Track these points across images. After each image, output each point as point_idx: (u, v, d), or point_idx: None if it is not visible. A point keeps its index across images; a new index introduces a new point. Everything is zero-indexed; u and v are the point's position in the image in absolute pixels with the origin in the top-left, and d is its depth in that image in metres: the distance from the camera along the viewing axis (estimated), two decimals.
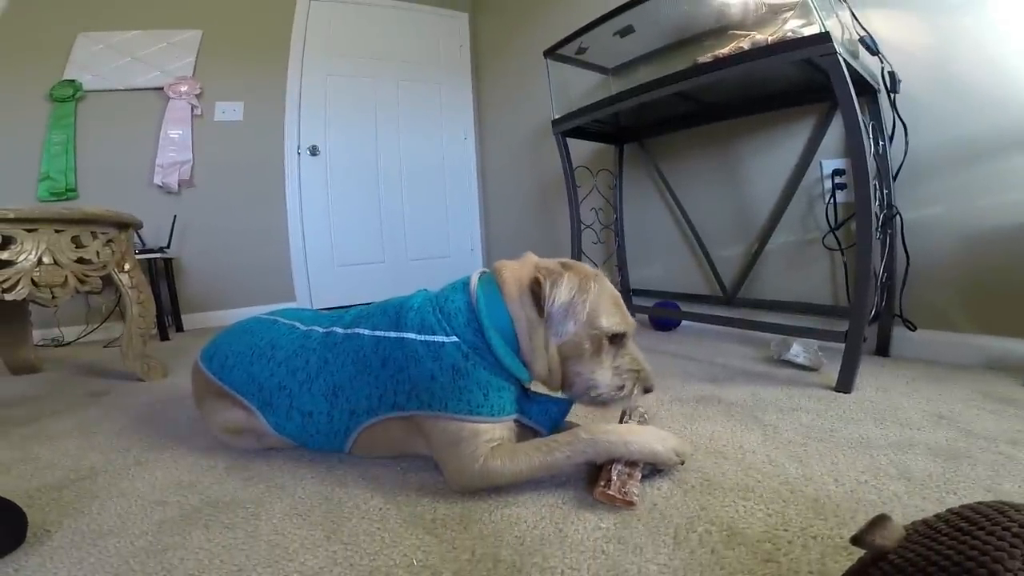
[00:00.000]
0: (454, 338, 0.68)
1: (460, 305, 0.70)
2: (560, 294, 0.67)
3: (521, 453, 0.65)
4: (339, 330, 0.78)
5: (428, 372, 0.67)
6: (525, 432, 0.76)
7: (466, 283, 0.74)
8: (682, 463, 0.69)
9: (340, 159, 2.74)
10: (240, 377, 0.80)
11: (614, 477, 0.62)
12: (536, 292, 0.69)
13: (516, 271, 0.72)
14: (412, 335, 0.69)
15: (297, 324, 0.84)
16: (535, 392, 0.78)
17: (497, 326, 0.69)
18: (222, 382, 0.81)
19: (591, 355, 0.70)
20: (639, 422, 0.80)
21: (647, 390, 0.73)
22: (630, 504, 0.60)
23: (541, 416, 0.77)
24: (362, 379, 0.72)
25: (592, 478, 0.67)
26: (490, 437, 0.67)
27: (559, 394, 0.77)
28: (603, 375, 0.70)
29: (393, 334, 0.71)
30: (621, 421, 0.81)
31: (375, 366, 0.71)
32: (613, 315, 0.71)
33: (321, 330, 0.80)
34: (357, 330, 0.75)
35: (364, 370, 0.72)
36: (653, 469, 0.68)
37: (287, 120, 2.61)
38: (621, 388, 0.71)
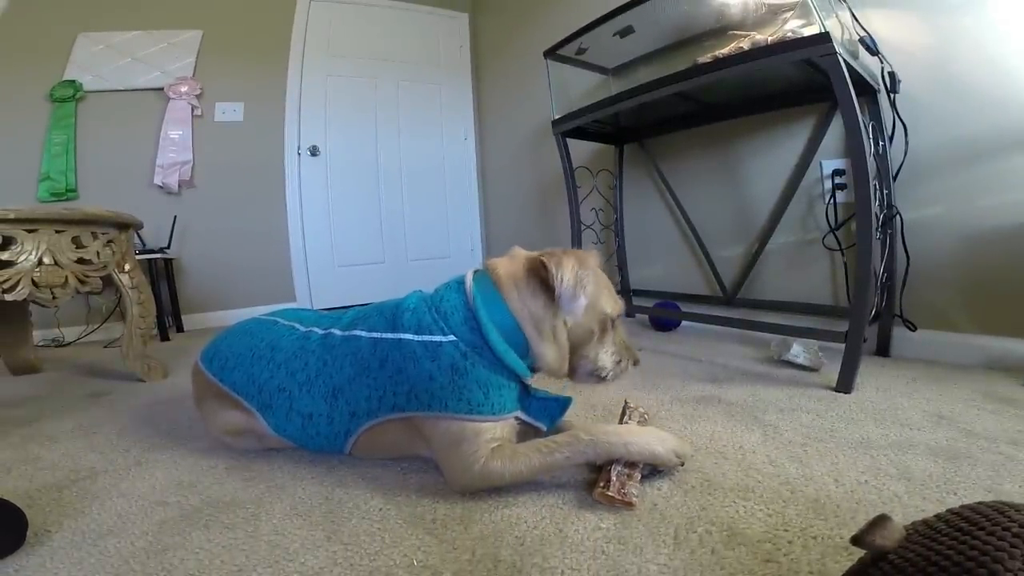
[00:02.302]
0: (451, 337, 0.68)
1: (456, 304, 0.70)
2: (566, 273, 0.67)
3: (521, 454, 0.65)
4: (337, 332, 0.78)
5: (426, 372, 0.67)
6: (527, 432, 0.76)
7: (461, 282, 0.74)
8: (682, 464, 0.69)
9: (340, 159, 2.74)
10: (240, 378, 0.80)
11: (613, 478, 0.62)
12: (542, 277, 0.69)
13: (508, 267, 0.73)
14: (409, 336, 0.69)
15: (296, 325, 0.84)
16: (535, 389, 0.79)
17: (497, 323, 0.68)
18: (222, 383, 0.81)
19: (599, 338, 0.74)
20: (639, 423, 0.80)
21: (635, 363, 0.79)
22: (629, 505, 0.60)
23: (541, 413, 0.78)
24: (361, 381, 0.72)
25: (592, 479, 0.67)
26: (491, 436, 0.67)
27: (564, 382, 0.80)
28: (606, 356, 0.75)
29: (390, 335, 0.71)
30: (621, 421, 0.81)
31: (373, 367, 0.71)
32: (611, 299, 0.75)
33: (320, 331, 0.80)
34: (355, 332, 0.75)
35: (363, 371, 0.72)
36: (653, 470, 0.68)
37: (287, 120, 2.62)
38: (619, 363, 0.76)
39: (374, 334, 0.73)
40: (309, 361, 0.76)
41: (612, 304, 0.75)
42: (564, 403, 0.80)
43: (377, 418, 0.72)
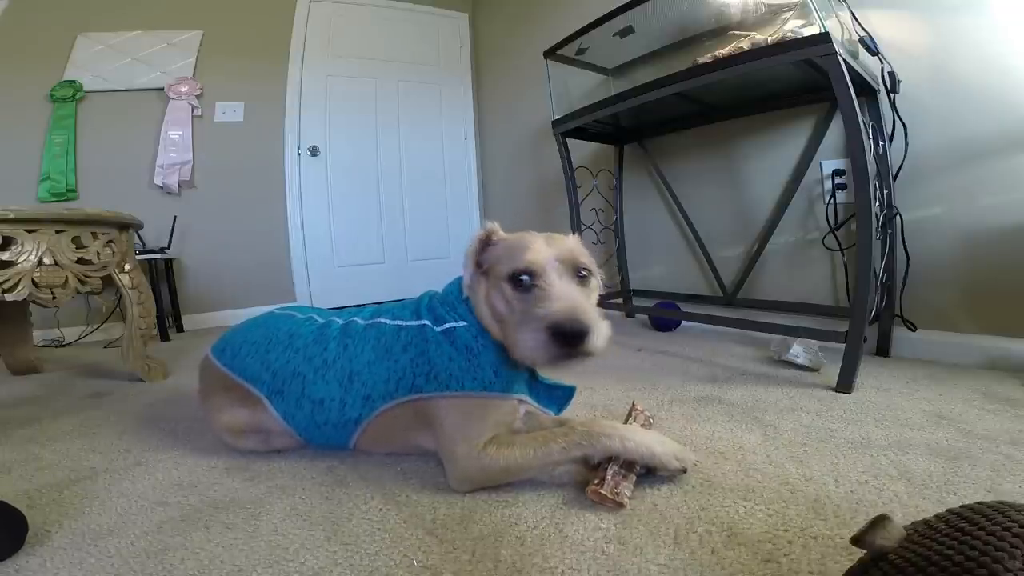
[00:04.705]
0: (463, 323, 0.73)
1: (459, 295, 0.76)
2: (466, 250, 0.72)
3: (518, 443, 0.67)
4: (359, 321, 0.81)
5: (447, 354, 0.70)
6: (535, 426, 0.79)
7: (460, 278, 0.79)
8: (683, 471, 0.68)
9: (340, 159, 2.74)
10: (253, 365, 0.80)
11: (608, 477, 0.62)
12: None
13: None
14: (430, 325, 0.74)
15: (315, 317, 0.86)
16: (543, 376, 0.81)
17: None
18: (233, 371, 0.81)
19: (507, 307, 0.65)
20: (643, 426, 0.80)
21: (557, 333, 0.54)
22: (620, 505, 0.60)
23: (548, 399, 0.81)
24: (382, 364, 0.74)
25: (589, 479, 0.67)
26: (497, 419, 0.69)
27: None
28: (513, 329, 0.61)
29: (415, 322, 0.76)
30: (625, 423, 0.81)
31: (396, 351, 0.74)
32: (507, 258, 0.65)
33: (340, 321, 0.83)
34: (378, 320, 0.79)
35: (385, 355, 0.74)
36: (650, 471, 0.67)
37: (287, 120, 2.62)
38: (531, 341, 0.56)
39: (398, 321, 0.77)
40: (329, 346, 0.78)
41: (507, 262, 0.64)
42: (569, 390, 0.82)
43: (394, 400, 0.73)
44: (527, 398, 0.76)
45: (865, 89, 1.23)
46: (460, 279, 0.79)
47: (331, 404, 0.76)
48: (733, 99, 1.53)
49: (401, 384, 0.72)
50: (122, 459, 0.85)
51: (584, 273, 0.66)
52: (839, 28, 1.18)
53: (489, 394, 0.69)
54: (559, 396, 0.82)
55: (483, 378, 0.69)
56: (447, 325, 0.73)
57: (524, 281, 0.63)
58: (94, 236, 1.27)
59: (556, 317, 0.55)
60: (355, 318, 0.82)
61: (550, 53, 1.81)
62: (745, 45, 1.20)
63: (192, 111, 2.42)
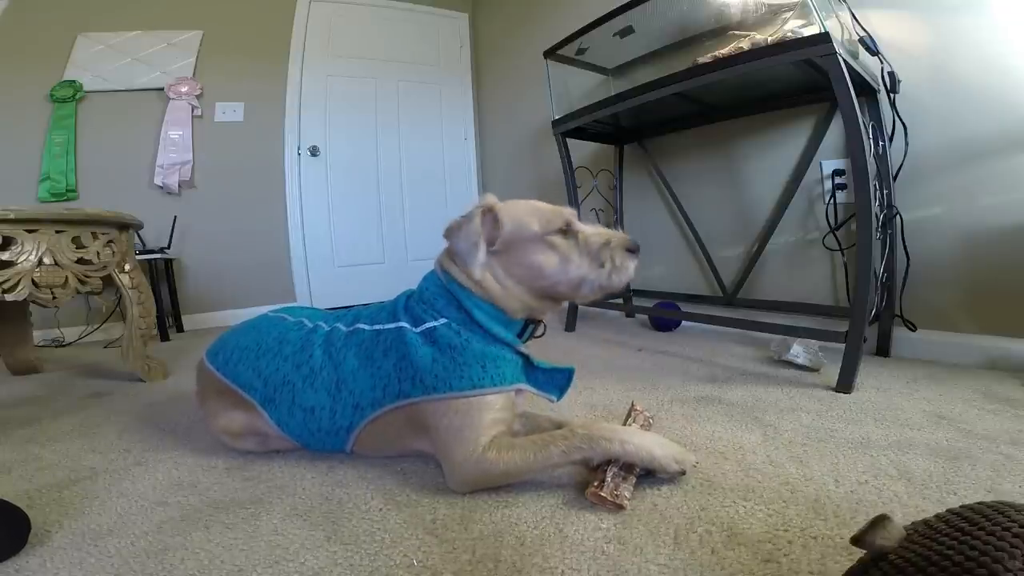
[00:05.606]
0: (443, 320, 0.72)
1: (436, 291, 0.75)
2: (451, 233, 0.74)
3: (517, 447, 0.66)
4: (342, 327, 0.80)
5: (429, 355, 0.69)
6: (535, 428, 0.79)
7: (434, 271, 0.79)
8: (683, 473, 0.67)
9: (340, 160, 2.74)
10: (245, 372, 0.80)
11: (608, 479, 0.62)
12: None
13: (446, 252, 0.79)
14: (408, 326, 0.73)
15: (304, 321, 0.85)
16: (540, 361, 0.79)
17: (469, 298, 0.72)
18: (226, 377, 0.81)
19: (549, 258, 0.72)
20: (642, 427, 0.80)
21: (631, 250, 0.75)
22: (619, 507, 0.60)
23: (548, 384, 0.79)
24: (366, 371, 0.73)
25: (589, 480, 0.67)
26: (492, 417, 0.68)
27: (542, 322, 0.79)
28: (578, 267, 0.72)
29: (392, 325, 0.75)
30: (624, 424, 0.81)
31: (378, 357, 0.73)
32: (536, 218, 0.73)
33: (326, 327, 0.82)
34: (358, 326, 0.78)
35: (367, 362, 0.73)
36: (649, 473, 0.67)
37: (287, 120, 2.62)
38: (603, 266, 0.72)
39: (376, 326, 0.76)
40: (314, 354, 0.77)
41: (539, 222, 0.72)
42: (568, 373, 0.80)
43: (382, 407, 0.72)
44: (525, 385, 0.74)
45: (865, 89, 1.23)
46: (433, 275, 0.78)
47: (322, 413, 0.75)
48: (733, 99, 1.53)
49: (388, 390, 0.71)
50: (122, 459, 0.85)
51: None
52: (839, 28, 1.18)
53: (480, 390, 0.68)
54: (559, 379, 0.79)
55: (471, 376, 0.68)
56: (427, 325, 0.72)
57: (566, 231, 0.73)
58: (94, 236, 1.27)
59: (628, 239, 0.76)
60: (338, 324, 0.81)
61: (550, 53, 1.81)
62: (745, 45, 1.20)
63: (192, 111, 2.42)
